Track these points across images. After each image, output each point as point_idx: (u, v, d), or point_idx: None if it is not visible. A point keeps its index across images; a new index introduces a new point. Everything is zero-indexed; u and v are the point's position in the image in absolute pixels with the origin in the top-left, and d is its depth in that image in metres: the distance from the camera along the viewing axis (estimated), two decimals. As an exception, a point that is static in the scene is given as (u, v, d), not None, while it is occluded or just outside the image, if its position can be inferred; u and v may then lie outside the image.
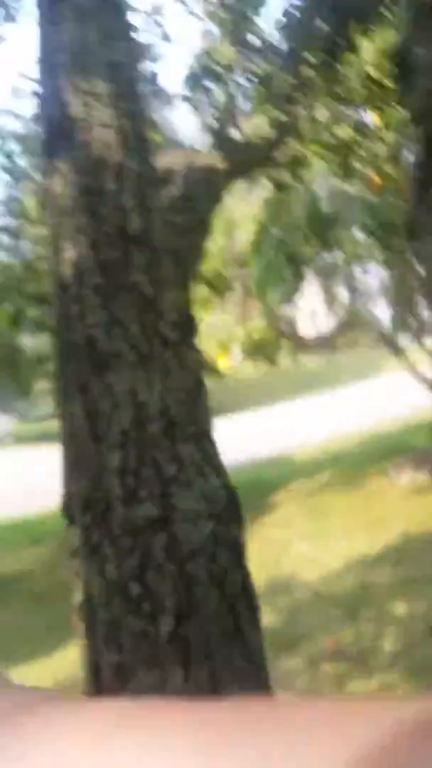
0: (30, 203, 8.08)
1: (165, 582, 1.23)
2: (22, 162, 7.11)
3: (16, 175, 7.20)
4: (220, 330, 13.60)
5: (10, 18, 6.31)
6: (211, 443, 1.45)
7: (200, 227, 2.17)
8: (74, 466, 1.33)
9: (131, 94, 1.80)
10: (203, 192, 2.25)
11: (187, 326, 1.56)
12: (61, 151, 1.63)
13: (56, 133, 1.66)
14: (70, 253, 1.50)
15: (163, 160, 2.33)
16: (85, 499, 1.28)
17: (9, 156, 6.94)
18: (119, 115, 1.69)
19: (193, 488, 1.30)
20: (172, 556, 1.25)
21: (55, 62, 1.72)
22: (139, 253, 1.52)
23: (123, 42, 1.87)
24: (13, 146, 6.95)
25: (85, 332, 1.39)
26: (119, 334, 1.38)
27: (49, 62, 1.74)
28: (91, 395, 1.33)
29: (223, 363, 15.52)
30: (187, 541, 1.26)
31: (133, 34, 2.04)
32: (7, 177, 7.27)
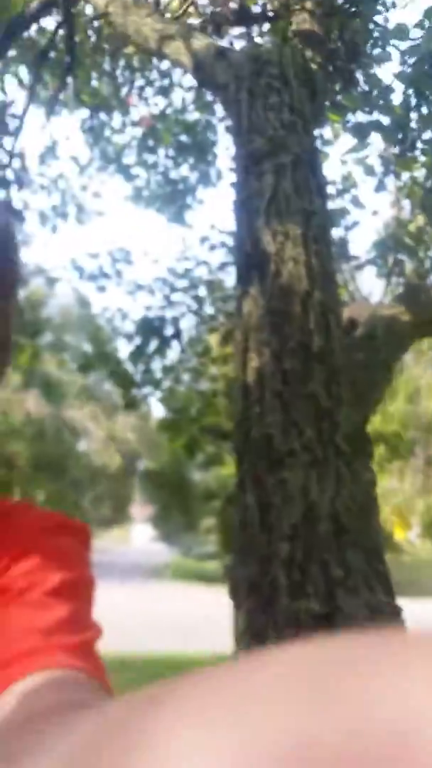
0: (213, 343, 8.72)
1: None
2: (209, 307, 7.78)
3: (203, 318, 7.86)
4: (398, 497, 12.72)
5: (209, 183, 7.21)
6: (382, 563, 1.44)
7: (380, 367, 2.24)
8: (244, 553, 1.40)
9: (320, 238, 1.99)
10: (385, 335, 2.34)
11: (362, 444, 1.62)
12: (254, 279, 1.84)
13: (250, 265, 1.89)
14: (254, 362, 1.66)
15: (349, 311, 2.49)
16: (251, 584, 1.32)
17: (198, 300, 7.64)
18: (308, 254, 1.89)
19: (359, 596, 1.29)
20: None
21: (253, 206, 1.99)
22: (320, 369, 1.63)
23: (315, 195, 2.11)
24: (202, 292, 7.67)
25: (264, 431, 1.50)
26: (295, 435, 1.48)
27: (247, 206, 2.01)
28: (265, 488, 1.42)
29: (399, 533, 14.45)
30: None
31: (325, 192, 2.26)
32: (194, 319, 7.96)
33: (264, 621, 1.29)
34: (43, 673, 0.42)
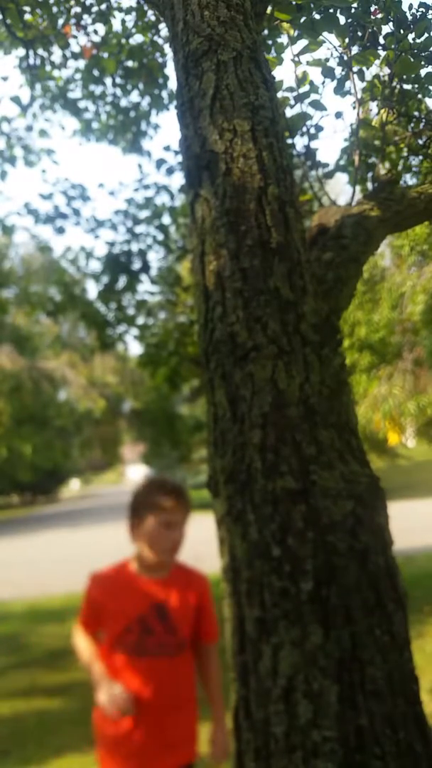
0: (183, 273, 8.59)
1: (305, 547, 1.26)
2: (174, 233, 7.63)
3: (170, 246, 7.72)
4: (389, 402, 12.83)
5: (163, 107, 6.94)
6: (355, 437, 1.47)
7: (349, 264, 2.21)
8: (218, 445, 1.42)
9: (271, 131, 1.93)
10: (353, 232, 2.30)
11: (329, 331, 1.61)
12: (205, 180, 1.80)
13: (199, 166, 1.84)
14: (212, 265, 1.64)
15: (318, 217, 2.44)
16: (229, 472, 1.36)
17: (163, 229, 7.49)
18: (259, 148, 1.84)
19: (333, 470, 1.33)
20: (312, 525, 1.28)
21: (197, 107, 1.93)
22: (280, 263, 1.62)
23: (262, 89, 2.04)
24: (166, 220, 7.51)
25: (227, 330, 1.50)
26: (259, 330, 1.48)
27: (190, 107, 1.95)
28: (233, 383, 1.43)
29: (392, 437, 14.67)
30: (327, 513, 1.29)
31: (272, 85, 2.18)
32: (162, 249, 7.82)
33: (242, 504, 1.33)
34: None
